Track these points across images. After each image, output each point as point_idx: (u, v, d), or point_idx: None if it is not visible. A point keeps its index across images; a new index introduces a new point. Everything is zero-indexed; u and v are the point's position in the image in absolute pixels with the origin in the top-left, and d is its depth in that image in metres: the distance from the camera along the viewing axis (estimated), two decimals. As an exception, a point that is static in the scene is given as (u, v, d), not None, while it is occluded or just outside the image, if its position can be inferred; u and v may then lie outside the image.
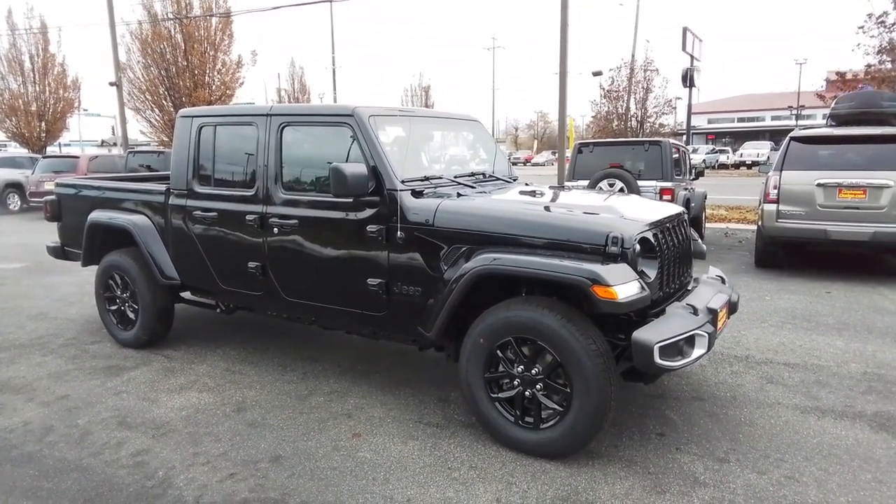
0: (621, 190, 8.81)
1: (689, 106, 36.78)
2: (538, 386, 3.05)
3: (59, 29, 30.74)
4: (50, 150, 31.47)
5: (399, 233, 3.47)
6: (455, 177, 3.95)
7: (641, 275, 3.03)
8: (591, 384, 2.86)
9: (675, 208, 3.78)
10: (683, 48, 30.85)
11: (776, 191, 7.62)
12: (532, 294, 3.21)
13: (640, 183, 8.81)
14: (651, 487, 2.82)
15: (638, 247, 3.03)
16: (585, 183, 9.13)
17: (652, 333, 2.81)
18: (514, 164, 53.13)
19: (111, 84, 18.82)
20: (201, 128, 4.32)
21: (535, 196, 3.73)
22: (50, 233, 5.68)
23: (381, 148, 3.55)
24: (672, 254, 3.39)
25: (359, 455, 3.16)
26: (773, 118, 54.42)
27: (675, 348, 2.87)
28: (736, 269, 8.09)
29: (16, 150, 31.21)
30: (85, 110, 45.83)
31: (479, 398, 3.22)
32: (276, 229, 3.92)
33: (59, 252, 5.51)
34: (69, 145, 53.04)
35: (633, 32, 31.08)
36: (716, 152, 39.59)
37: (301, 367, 4.41)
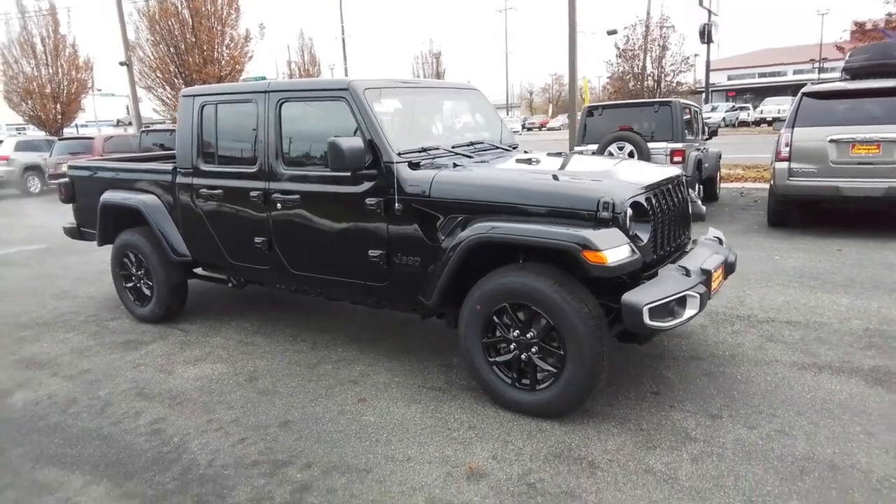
0: (630, 153, 8.78)
1: (708, 63, 35.86)
2: (533, 349, 3.14)
3: (68, 10, 30.77)
4: (67, 131, 31.85)
5: (397, 204, 3.54)
6: (453, 147, 3.99)
7: (634, 238, 3.09)
8: (584, 346, 2.94)
9: (672, 171, 3.79)
10: (700, 3, 29.97)
11: (788, 148, 7.52)
12: (528, 261, 3.27)
13: (650, 145, 8.74)
14: (642, 443, 2.91)
15: (630, 211, 3.08)
16: (595, 147, 9.10)
17: (641, 295, 2.87)
18: (529, 129, 52.53)
19: (121, 63, 18.92)
20: (203, 106, 4.40)
21: (531, 164, 3.76)
22: (68, 214, 5.84)
23: (377, 121, 3.61)
24: (667, 217, 3.42)
25: (363, 418, 3.29)
26: (796, 72, 52.85)
27: (666, 309, 2.93)
28: (748, 228, 8.05)
29: (34, 133, 31.60)
30: (99, 90, 46.16)
31: (477, 362, 3.32)
32: (279, 204, 4.02)
33: (76, 233, 5.68)
34: (86, 126, 53.61)
35: (647, -12, 30.29)
36: (735, 109, 38.72)
37: (311, 338, 4.55)
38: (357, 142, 3.47)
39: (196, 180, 4.47)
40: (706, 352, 3.95)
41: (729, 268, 3.64)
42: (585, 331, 2.93)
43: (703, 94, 37.92)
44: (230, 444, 3.09)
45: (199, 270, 5.07)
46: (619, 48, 29.49)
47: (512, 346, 3.21)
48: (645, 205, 3.18)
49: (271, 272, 4.31)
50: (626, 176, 3.40)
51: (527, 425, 3.13)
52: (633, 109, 9.36)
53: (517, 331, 3.16)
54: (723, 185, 12.39)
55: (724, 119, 37.23)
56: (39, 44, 30.12)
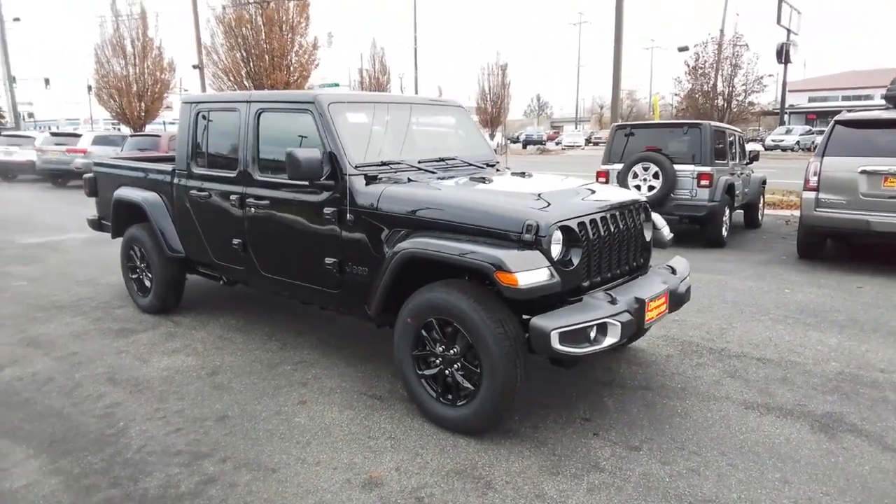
0: (655, 174, 8.60)
1: (784, 83, 34.29)
2: (456, 365, 3.18)
3: (157, 14, 32.82)
4: (154, 128, 33.90)
5: (349, 215, 3.67)
6: (420, 162, 4.09)
7: (566, 262, 3.09)
8: (497, 366, 2.97)
9: (629, 196, 3.74)
10: (779, 21, 28.78)
11: (816, 177, 7.18)
12: (456, 278, 3.32)
13: (677, 167, 8.54)
14: (547, 468, 2.90)
15: (559, 235, 3.09)
16: (620, 167, 8.95)
17: (552, 320, 2.87)
18: (595, 143, 51.72)
19: (194, 67, 20.06)
20: (198, 113, 4.68)
21: (483, 182, 3.81)
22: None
23: (337, 134, 3.75)
24: (610, 242, 3.39)
25: (295, 420, 3.42)
26: (883, 96, 49.60)
27: (581, 335, 2.92)
28: (775, 259, 7.73)
29: (125, 129, 33.75)
30: (185, 90, 48.86)
31: (408, 374, 3.40)
32: (252, 209, 4.23)
33: (97, 224, 6.12)
34: (173, 124, 56.83)
35: (722, 4, 29.39)
36: (811, 133, 36.84)
37: (284, 338, 4.74)
38: (314, 153, 3.62)
39: (189, 182, 4.76)
40: (658, 382, 3.86)
41: (676, 298, 3.56)
42: (499, 351, 2.95)
43: (780, 115, 36.29)
44: (164, 433, 3.29)
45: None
46: (688, 65, 28.77)
47: (438, 361, 3.27)
48: (576, 230, 3.17)
49: (246, 273, 4.53)
50: (567, 199, 3.40)
51: (444, 440, 3.17)
52: (663, 130, 9.15)
53: (442, 346, 3.22)
54: (770, 211, 11.91)
55: (797, 142, 35.51)
56: (129, 45, 32.20)
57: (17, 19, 32.70)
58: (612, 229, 3.42)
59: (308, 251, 3.96)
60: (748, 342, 4.57)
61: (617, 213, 3.49)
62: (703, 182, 8.47)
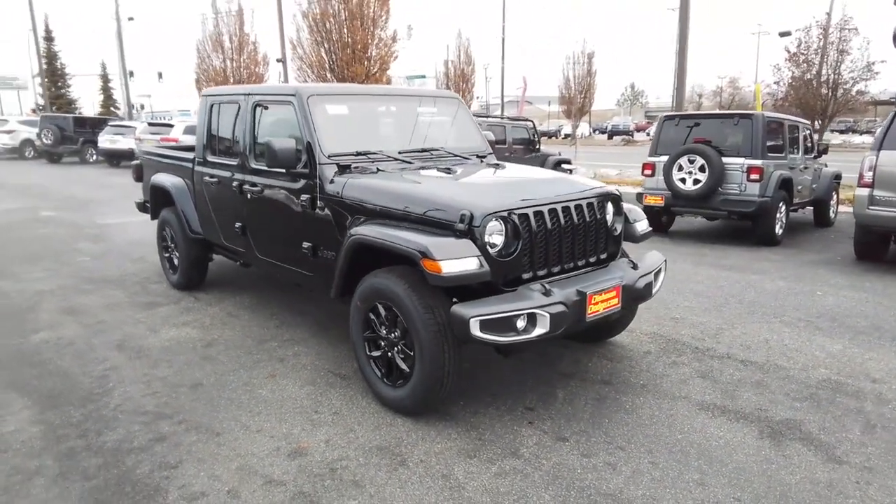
0: (701, 167, 8.24)
1: (899, 69, 31.04)
2: (397, 348, 3.31)
3: (252, 11, 34.74)
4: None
5: (318, 202, 3.87)
6: (401, 152, 4.22)
7: (503, 253, 3.13)
8: (426, 351, 3.07)
9: (592, 189, 3.69)
10: None
11: (871, 173, 6.65)
12: (399, 264, 3.42)
13: (726, 160, 8.15)
14: (466, 451, 2.98)
15: (496, 225, 3.13)
16: (665, 159, 8.64)
17: (473, 308, 2.93)
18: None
19: (277, 60, 21.07)
20: (211, 106, 5.04)
21: (448, 173, 3.88)
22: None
23: (313, 125, 3.95)
24: (560, 234, 3.38)
25: (258, 391, 3.68)
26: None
27: (506, 324, 2.96)
28: (827, 260, 7.24)
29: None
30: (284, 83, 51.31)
31: (359, 355, 3.56)
32: (249, 195, 4.53)
33: (143, 206, 6.69)
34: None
35: (831, -15, 27.23)
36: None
37: (284, 317, 5.04)
38: (289, 143, 3.85)
39: (203, 169, 5.14)
40: (622, 378, 3.80)
41: (632, 294, 3.49)
42: (427, 336, 3.05)
43: (896, 105, 33.15)
44: (142, 395, 3.64)
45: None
46: (788, 52, 26.88)
47: (383, 343, 3.41)
48: (516, 221, 3.19)
49: (246, 254, 4.86)
50: (514, 191, 3.42)
51: (383, 418, 3.32)
52: (713, 121, 8.71)
53: (385, 329, 3.36)
54: (842, 208, 11.04)
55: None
56: (227, 41, 34.14)
57: (131, 19, 35.42)
58: (563, 222, 3.40)
59: (289, 235, 4.20)
60: (741, 344, 4.37)
61: (571, 206, 3.46)
62: (753, 176, 8.03)
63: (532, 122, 14.32)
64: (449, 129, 4.77)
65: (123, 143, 20.83)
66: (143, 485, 2.75)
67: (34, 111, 34.36)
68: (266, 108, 4.42)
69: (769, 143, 8.35)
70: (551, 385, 3.71)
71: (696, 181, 8.31)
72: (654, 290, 3.67)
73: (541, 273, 3.34)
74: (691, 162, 8.34)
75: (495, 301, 3.02)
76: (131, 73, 44.76)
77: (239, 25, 33.68)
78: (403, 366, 3.28)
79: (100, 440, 3.14)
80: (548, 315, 3.01)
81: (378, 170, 3.91)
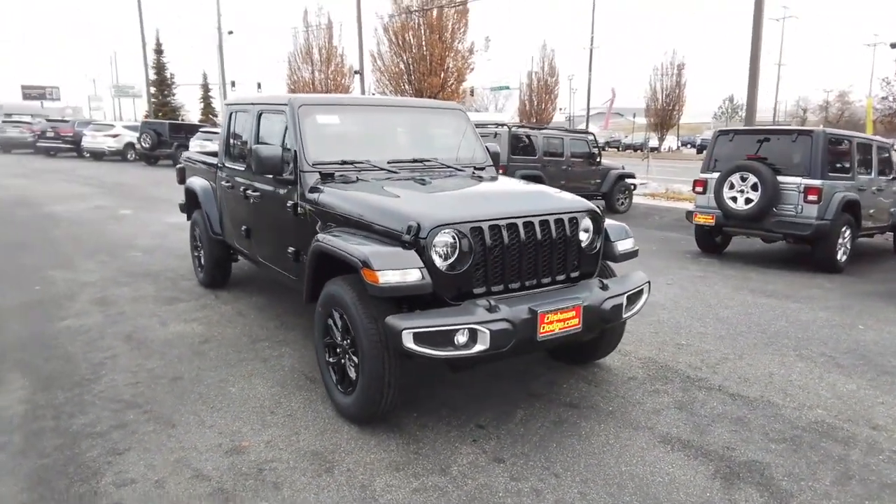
0: (754, 186, 7.74)
1: None
2: (348, 356, 3.33)
3: (340, 24, 36.14)
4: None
5: (299, 208, 3.97)
6: (390, 162, 4.25)
7: (452, 265, 3.09)
8: (367, 361, 3.08)
9: (564, 204, 3.56)
10: None
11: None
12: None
13: (781, 179, 7.62)
14: (396, 464, 2.95)
15: (445, 238, 3.09)
16: (716, 176, 8.18)
17: (407, 320, 2.90)
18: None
19: (355, 72, 21.75)
20: (231, 113, 5.30)
21: (422, 185, 3.85)
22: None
23: (301, 133, 4.06)
24: (520, 250, 3.28)
25: (228, 389, 3.81)
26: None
27: (443, 338, 2.90)
28: (891, 291, 6.63)
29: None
30: (373, 94, 52.98)
31: (320, 359, 3.62)
32: (251, 199, 4.71)
33: (183, 208, 7.10)
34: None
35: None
36: None
37: (286, 319, 5.18)
38: (274, 150, 3.98)
39: (222, 173, 5.40)
40: (591, 403, 3.63)
41: (596, 315, 3.31)
42: (368, 346, 3.06)
43: None
44: (124, 384, 3.86)
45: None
46: (899, 64, 24.82)
47: (338, 350, 3.43)
48: (468, 234, 3.13)
49: (250, 256, 5.04)
50: (475, 203, 3.36)
51: (331, 424, 3.34)
52: (770, 137, 8.16)
53: (340, 336, 3.38)
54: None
55: None
56: (316, 53, 35.67)
57: (230, 32, 37.64)
58: (524, 237, 3.30)
59: (278, 239, 4.33)
60: (739, 376, 4.06)
61: (535, 221, 3.35)
62: (811, 197, 7.47)
63: (593, 134, 13.98)
64: (447, 141, 4.75)
65: (211, 147, 22.17)
66: (86, 468, 2.91)
67: (146, 117, 37.33)
68: (267, 116, 4.59)
69: (833, 163, 7.75)
70: (514, 404, 3.60)
71: (747, 200, 7.82)
72: (624, 314, 3.48)
73: (496, 289, 3.26)
74: (743, 180, 7.86)
75: (434, 315, 2.97)
76: (233, 83, 47.41)
77: (328, 38, 35.12)
78: (352, 373, 3.30)
79: (68, 422, 3.35)
80: (488, 332, 2.93)
81: (357, 179, 3.96)
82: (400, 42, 26.43)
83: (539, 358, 4.30)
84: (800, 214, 7.56)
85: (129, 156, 25.82)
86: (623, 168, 14.18)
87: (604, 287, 3.46)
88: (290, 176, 4.05)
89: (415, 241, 3.06)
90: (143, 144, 24.05)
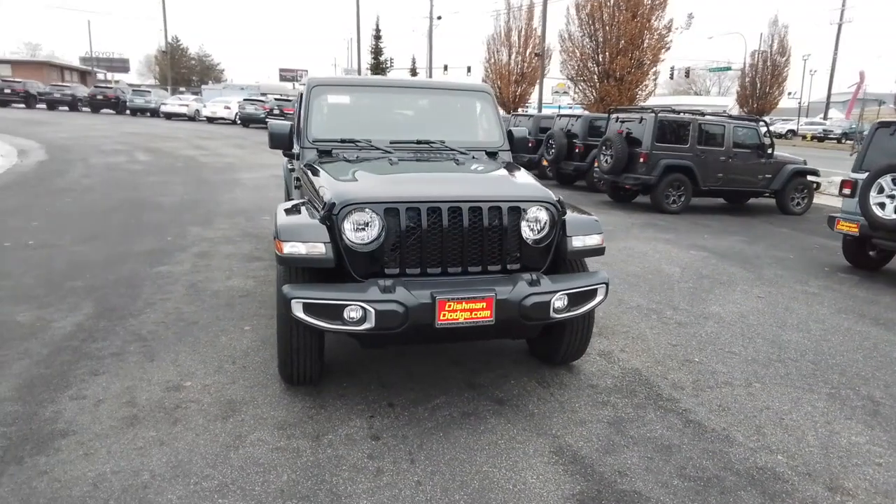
0: None
1: None
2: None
3: (544, 2, 35.63)
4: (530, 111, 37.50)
5: (297, 181, 4.32)
6: (392, 143, 4.38)
7: (363, 245, 3.18)
8: (278, 327, 3.33)
9: (508, 192, 3.40)
10: None
11: None
12: None
13: (949, 184, 6.14)
14: (282, 423, 3.17)
15: (359, 217, 3.19)
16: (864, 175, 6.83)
17: (301, 290, 3.06)
18: None
19: (535, 55, 21.63)
20: (300, 94, 5.80)
21: (390, 164, 3.90)
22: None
23: (309, 112, 4.39)
24: (442, 234, 3.24)
25: (218, 338, 4.32)
26: None
27: (333, 312, 3.03)
28: None
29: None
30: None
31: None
32: (293, 173, 5.18)
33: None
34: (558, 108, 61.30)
35: None
36: None
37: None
38: (283, 126, 4.38)
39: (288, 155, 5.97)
40: (520, 403, 3.47)
41: (511, 309, 3.13)
42: (278, 313, 3.31)
43: None
44: (153, 322, 4.58)
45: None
46: None
47: (285, 314, 3.72)
48: (381, 215, 3.18)
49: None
50: (402, 184, 3.39)
51: (265, 380, 3.67)
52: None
53: (283, 301, 3.67)
54: None
55: None
56: (515, 35, 35.94)
57: (439, 17, 39.48)
58: (446, 223, 3.24)
59: (293, 211, 4.73)
60: (720, 404, 3.52)
61: (464, 208, 3.27)
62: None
63: (764, 121, 12.33)
64: (461, 123, 4.73)
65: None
66: (64, 381, 3.58)
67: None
68: (303, 97, 4.99)
69: None
70: (443, 390, 3.58)
71: (897, 209, 6.43)
72: (553, 314, 3.23)
73: (412, 271, 3.27)
74: (895, 181, 6.47)
75: (329, 288, 3.11)
76: (445, 67, 49.63)
77: (527, 20, 35.11)
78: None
79: (88, 345, 4.12)
80: (374, 311, 3.00)
81: (358, 158, 4.14)
82: (591, 22, 25.55)
83: (519, 351, 4.16)
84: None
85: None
86: (804, 163, 12.34)
87: (533, 282, 3.27)
88: (296, 151, 4.41)
89: (328, 216, 3.21)
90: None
